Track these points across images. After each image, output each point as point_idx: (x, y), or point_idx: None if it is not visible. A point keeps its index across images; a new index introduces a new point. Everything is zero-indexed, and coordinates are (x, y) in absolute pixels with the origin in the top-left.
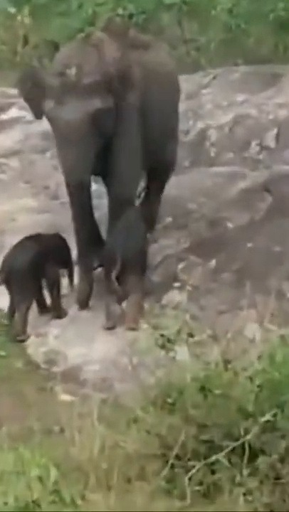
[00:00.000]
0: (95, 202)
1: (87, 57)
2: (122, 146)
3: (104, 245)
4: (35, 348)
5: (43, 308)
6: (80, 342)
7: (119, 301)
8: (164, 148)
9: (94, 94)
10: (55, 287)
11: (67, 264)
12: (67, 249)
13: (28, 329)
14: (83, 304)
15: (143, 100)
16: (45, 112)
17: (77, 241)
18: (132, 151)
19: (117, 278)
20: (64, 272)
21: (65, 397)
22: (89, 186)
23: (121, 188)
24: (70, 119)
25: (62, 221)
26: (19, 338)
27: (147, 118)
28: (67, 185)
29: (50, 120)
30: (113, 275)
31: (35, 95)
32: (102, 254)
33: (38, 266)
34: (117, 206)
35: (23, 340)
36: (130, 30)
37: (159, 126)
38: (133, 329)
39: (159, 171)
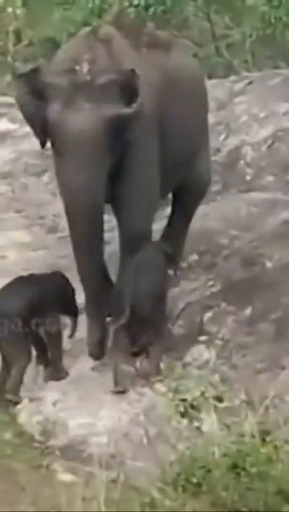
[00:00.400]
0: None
1: (98, 53)
2: (136, 166)
3: (112, 290)
4: (28, 415)
5: (45, 363)
6: (84, 409)
7: (132, 358)
8: (191, 167)
9: (111, 96)
10: (54, 339)
11: (70, 310)
12: (69, 292)
13: (20, 392)
14: (98, 353)
15: (162, 111)
16: (48, 120)
17: (85, 285)
18: (147, 173)
19: (132, 329)
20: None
21: (66, 477)
22: (102, 214)
23: (133, 220)
24: (82, 126)
25: (60, 259)
26: (11, 398)
27: (168, 132)
28: (74, 213)
29: (55, 128)
30: (121, 326)
31: (36, 104)
32: (109, 300)
33: (34, 313)
34: (129, 241)
35: (16, 403)
36: (146, 25)
37: (182, 140)
38: (151, 384)
39: (185, 194)
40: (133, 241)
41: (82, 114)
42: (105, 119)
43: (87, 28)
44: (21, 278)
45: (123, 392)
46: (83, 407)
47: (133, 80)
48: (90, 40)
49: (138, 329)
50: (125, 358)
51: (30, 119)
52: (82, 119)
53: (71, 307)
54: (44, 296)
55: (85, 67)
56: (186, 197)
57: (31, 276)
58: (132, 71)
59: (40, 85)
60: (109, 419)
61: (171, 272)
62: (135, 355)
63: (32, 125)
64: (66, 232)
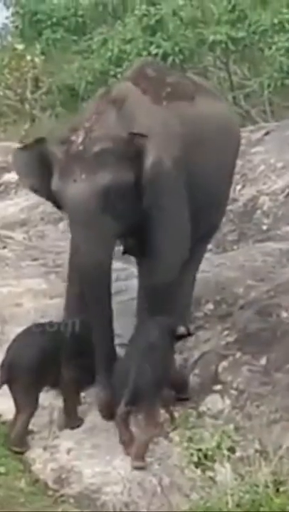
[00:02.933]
0: (120, 284)
1: (101, 119)
2: (162, 222)
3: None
4: (42, 464)
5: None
6: (98, 457)
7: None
8: (209, 215)
9: (105, 165)
10: (69, 388)
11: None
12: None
13: (34, 441)
14: (107, 415)
15: (189, 162)
16: (52, 189)
17: (96, 349)
18: (174, 228)
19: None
20: None
21: None
22: (109, 277)
23: (160, 274)
24: (77, 198)
25: None
26: (16, 449)
27: (193, 186)
28: (81, 276)
29: (57, 197)
30: (122, 405)
31: (40, 175)
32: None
33: (48, 363)
34: (153, 296)
35: (21, 453)
36: (171, 73)
37: (206, 193)
38: (140, 467)
39: (199, 242)
40: (155, 297)
41: (76, 185)
42: (100, 188)
43: (103, 89)
44: (37, 325)
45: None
46: (97, 456)
47: (136, 144)
48: (101, 103)
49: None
50: (128, 433)
51: (34, 190)
52: (77, 190)
53: (90, 358)
54: (60, 346)
55: (80, 137)
56: (200, 244)
57: (48, 323)
58: (133, 134)
59: (44, 156)
60: (123, 468)
61: (183, 329)
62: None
63: (38, 194)
64: None
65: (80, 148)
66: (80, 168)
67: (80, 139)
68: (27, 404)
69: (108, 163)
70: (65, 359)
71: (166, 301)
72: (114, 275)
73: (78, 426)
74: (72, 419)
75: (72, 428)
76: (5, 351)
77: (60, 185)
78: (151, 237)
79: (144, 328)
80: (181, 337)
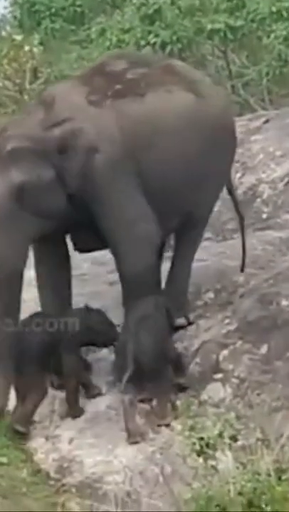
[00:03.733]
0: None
1: (25, 119)
2: (109, 214)
3: (116, 342)
4: (44, 453)
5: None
6: (100, 447)
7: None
8: (181, 202)
9: (18, 163)
10: (70, 377)
11: (98, 341)
12: (94, 325)
13: (36, 430)
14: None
15: (140, 154)
16: None
17: None
18: (129, 215)
19: (137, 380)
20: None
21: None
22: (20, 277)
23: (127, 264)
24: None
25: (77, 297)
26: (19, 428)
27: (148, 176)
28: None
29: None
30: (124, 380)
31: None
32: (114, 355)
33: (51, 352)
34: (128, 286)
35: (23, 433)
36: (134, 68)
37: (166, 182)
38: (167, 425)
39: (185, 230)
40: (132, 286)
41: None
42: (14, 186)
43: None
44: (37, 314)
45: (137, 442)
46: (99, 445)
47: (61, 142)
48: (32, 104)
49: (143, 381)
50: (135, 410)
51: None
52: None
53: (98, 339)
54: (61, 334)
55: None
56: (189, 231)
57: (45, 313)
58: (59, 132)
59: None
60: (125, 457)
61: (183, 319)
62: (143, 401)
63: None
64: (82, 271)
65: None
66: None
67: None
68: (37, 388)
69: (22, 161)
70: (65, 349)
71: (142, 289)
72: None
73: (79, 415)
74: (73, 409)
75: (74, 417)
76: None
77: None
78: (104, 231)
79: (137, 305)
80: (179, 328)
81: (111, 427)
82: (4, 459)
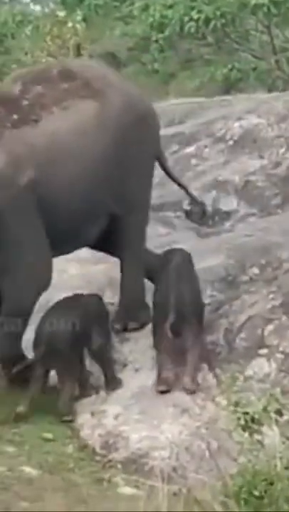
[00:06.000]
0: None
1: None
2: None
3: (154, 295)
4: (90, 429)
5: (83, 390)
6: (146, 422)
7: (176, 359)
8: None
9: None
10: (105, 356)
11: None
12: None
13: (82, 406)
14: None
15: (42, 179)
16: None
17: None
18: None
19: (176, 331)
20: None
21: (127, 491)
22: None
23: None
24: None
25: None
26: (66, 418)
27: (49, 203)
28: None
29: None
30: (166, 328)
31: None
32: (154, 305)
33: (83, 334)
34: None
35: (70, 421)
36: (30, 92)
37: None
38: (192, 392)
39: (117, 233)
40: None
41: None
42: None
43: None
44: (67, 299)
45: (167, 391)
46: (145, 421)
47: None
48: None
49: (181, 331)
50: (170, 359)
51: None
52: None
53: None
54: (91, 318)
55: None
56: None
57: (76, 296)
58: None
59: None
60: (170, 433)
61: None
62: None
63: None
64: None
65: None
66: None
67: None
68: (70, 373)
69: None
70: (95, 326)
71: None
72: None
73: (119, 387)
74: (112, 382)
75: (114, 389)
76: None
77: None
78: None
79: (167, 257)
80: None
81: (157, 402)
82: (50, 435)
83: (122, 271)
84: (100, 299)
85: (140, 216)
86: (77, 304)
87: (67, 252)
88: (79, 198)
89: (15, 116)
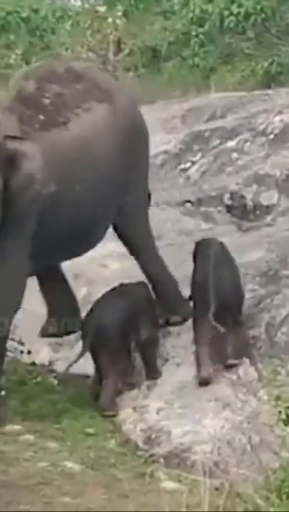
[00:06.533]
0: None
1: None
2: None
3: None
4: (132, 424)
5: (128, 383)
6: (187, 417)
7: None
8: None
9: None
10: (151, 349)
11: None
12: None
13: (123, 401)
14: None
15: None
16: None
17: None
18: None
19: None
20: None
21: (169, 485)
22: None
23: None
24: None
25: None
26: (108, 413)
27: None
28: None
29: None
30: (210, 318)
31: None
32: (192, 296)
33: (130, 326)
34: None
35: (112, 416)
36: (45, 96)
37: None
38: (206, 383)
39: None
40: None
41: None
42: None
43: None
44: (114, 290)
45: (208, 383)
46: (186, 415)
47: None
48: None
49: (221, 320)
50: (210, 348)
51: None
52: None
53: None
54: (138, 308)
55: None
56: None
57: (123, 286)
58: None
59: None
60: (212, 427)
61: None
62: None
63: None
64: (169, 241)
65: None
66: None
67: None
68: (115, 367)
69: None
70: (143, 316)
71: None
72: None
73: (158, 377)
74: (152, 372)
75: (154, 378)
76: (87, 315)
77: None
78: None
79: (204, 247)
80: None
81: (198, 397)
82: (92, 430)
83: (144, 269)
84: (146, 287)
85: (145, 212)
86: (124, 295)
87: (79, 255)
88: (99, 199)
89: (41, 117)
